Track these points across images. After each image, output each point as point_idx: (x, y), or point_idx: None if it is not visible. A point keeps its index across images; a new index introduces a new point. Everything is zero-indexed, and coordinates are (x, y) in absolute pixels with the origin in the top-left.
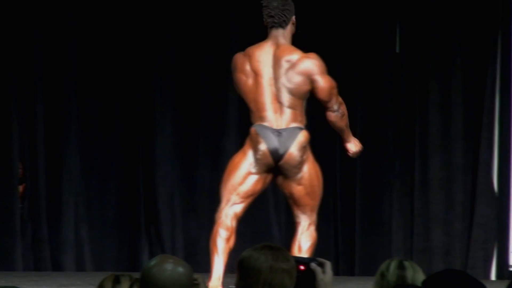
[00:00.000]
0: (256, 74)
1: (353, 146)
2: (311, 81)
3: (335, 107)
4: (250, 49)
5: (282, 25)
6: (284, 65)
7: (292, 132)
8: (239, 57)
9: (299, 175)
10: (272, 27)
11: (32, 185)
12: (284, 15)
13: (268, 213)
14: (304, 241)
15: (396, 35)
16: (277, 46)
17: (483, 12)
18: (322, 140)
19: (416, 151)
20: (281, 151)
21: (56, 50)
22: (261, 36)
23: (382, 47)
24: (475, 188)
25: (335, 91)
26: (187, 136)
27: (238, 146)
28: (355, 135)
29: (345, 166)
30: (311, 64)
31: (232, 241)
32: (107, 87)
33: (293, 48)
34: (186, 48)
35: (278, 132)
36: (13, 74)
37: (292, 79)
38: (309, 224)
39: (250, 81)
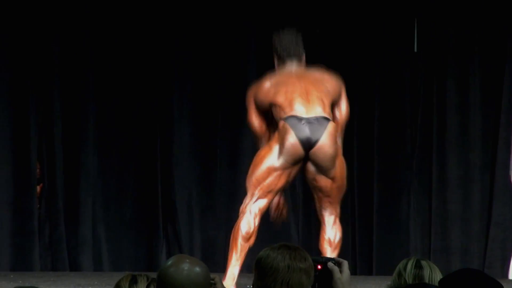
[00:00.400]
0: (279, 84)
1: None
2: (339, 94)
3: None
4: (266, 77)
5: (298, 57)
6: (310, 76)
7: (322, 121)
8: (254, 86)
9: (331, 167)
10: (287, 59)
11: (50, 185)
12: (299, 49)
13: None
14: (333, 235)
15: (414, 34)
16: (297, 71)
17: (500, 10)
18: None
19: (433, 150)
20: (312, 139)
21: (74, 50)
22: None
23: (399, 46)
24: (493, 188)
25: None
26: (205, 136)
27: (256, 145)
28: (372, 135)
29: (362, 165)
30: (340, 81)
31: (252, 239)
32: (124, 86)
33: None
34: (204, 47)
35: (308, 121)
36: (31, 74)
37: (322, 84)
38: (335, 217)
39: (272, 90)
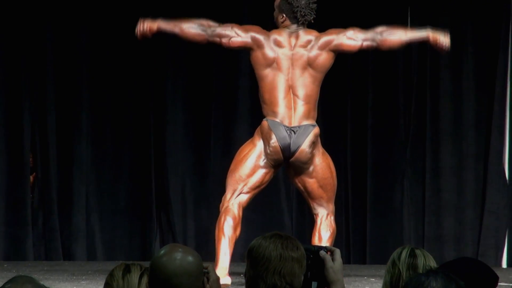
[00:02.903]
0: (277, 64)
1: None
2: (335, 46)
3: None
4: (271, 34)
5: (310, 22)
6: (302, 49)
7: (307, 128)
8: (263, 36)
9: (310, 169)
10: (299, 23)
11: (43, 175)
12: (313, 13)
13: (280, 202)
14: (324, 231)
15: (407, 23)
16: (298, 35)
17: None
18: (333, 129)
19: (427, 139)
20: (292, 148)
21: (67, 41)
22: (273, 25)
23: None
24: (486, 176)
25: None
26: (198, 125)
27: (249, 135)
28: (366, 124)
29: (356, 153)
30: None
31: (238, 230)
32: (118, 77)
33: (311, 31)
34: None
35: (292, 129)
36: (24, 65)
37: (313, 64)
38: (327, 214)
39: (266, 70)
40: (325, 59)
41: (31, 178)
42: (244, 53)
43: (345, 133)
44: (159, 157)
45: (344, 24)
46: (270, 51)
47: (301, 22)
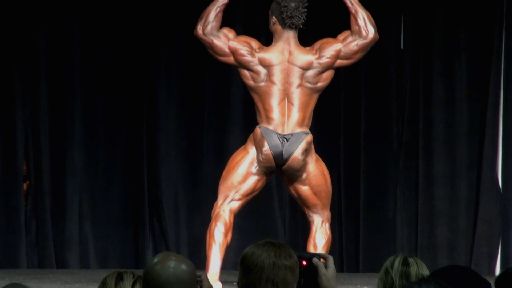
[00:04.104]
0: (269, 76)
1: None
2: (337, 52)
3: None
4: (263, 50)
5: (298, 27)
6: (299, 68)
7: (299, 135)
8: (248, 48)
9: (303, 176)
10: (288, 27)
11: (36, 183)
12: (303, 17)
13: (273, 209)
14: (319, 239)
15: (400, 31)
16: (290, 48)
17: (487, 7)
18: (326, 136)
19: (420, 147)
20: (285, 155)
21: (60, 47)
22: (267, 31)
23: (386, 43)
24: (480, 184)
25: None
26: (191, 132)
27: (242, 142)
28: (359, 131)
29: (349, 161)
30: (326, 41)
31: (229, 236)
32: (111, 83)
33: (305, 49)
34: (190, 44)
35: (284, 137)
36: (17, 71)
37: (314, 76)
38: (322, 222)
39: (261, 82)
40: (325, 78)
41: (25, 186)
42: None
43: (338, 141)
44: (151, 165)
45: (335, 32)
46: (258, 68)
47: (287, 24)
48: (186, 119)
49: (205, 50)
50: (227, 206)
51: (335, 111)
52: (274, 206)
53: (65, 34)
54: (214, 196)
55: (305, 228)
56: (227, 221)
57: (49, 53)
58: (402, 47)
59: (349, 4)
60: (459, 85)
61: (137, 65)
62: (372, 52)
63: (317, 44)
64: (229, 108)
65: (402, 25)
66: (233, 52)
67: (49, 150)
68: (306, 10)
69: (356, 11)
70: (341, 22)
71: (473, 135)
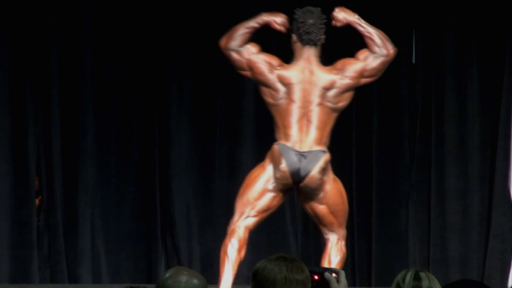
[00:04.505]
0: (289, 94)
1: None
2: (362, 71)
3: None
4: (283, 68)
5: (317, 43)
6: (321, 87)
7: (317, 154)
8: (269, 66)
9: (321, 195)
10: (306, 44)
11: (49, 198)
12: (321, 33)
13: (285, 224)
14: (334, 256)
15: (412, 46)
16: (311, 67)
17: (498, 22)
18: (338, 151)
19: (432, 162)
20: (302, 173)
21: (72, 63)
22: (280, 40)
23: (398, 58)
24: (492, 198)
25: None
26: (203, 148)
27: (254, 157)
28: (371, 146)
29: (361, 176)
30: (348, 61)
31: (243, 252)
32: (123, 99)
33: (326, 68)
34: (202, 58)
35: (302, 154)
36: (29, 86)
37: (335, 96)
38: (338, 240)
39: (280, 99)
40: (346, 97)
41: (37, 201)
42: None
43: (350, 155)
44: (163, 180)
45: (347, 46)
46: (277, 86)
47: (305, 41)
48: (198, 135)
49: (216, 66)
50: (242, 222)
51: (347, 126)
52: (286, 221)
53: (77, 50)
54: (226, 211)
55: (317, 243)
56: (242, 237)
57: (61, 68)
58: (413, 61)
59: (360, 28)
60: (471, 99)
61: (149, 80)
62: None
63: (339, 64)
64: (241, 124)
65: (413, 40)
66: (251, 68)
67: (61, 165)
68: (324, 26)
69: (369, 32)
70: (352, 39)
71: (485, 149)
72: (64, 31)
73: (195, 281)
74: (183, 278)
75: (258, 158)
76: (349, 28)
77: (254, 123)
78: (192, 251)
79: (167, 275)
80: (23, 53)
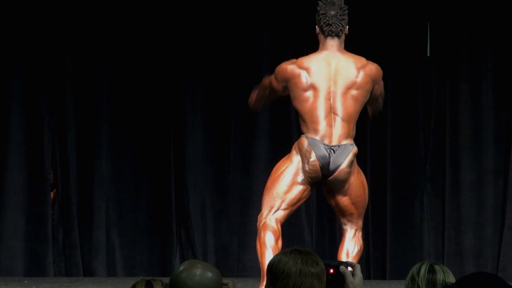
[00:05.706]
0: (314, 88)
1: None
2: (375, 83)
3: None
4: (304, 61)
5: (338, 34)
6: (346, 76)
7: (347, 147)
8: (290, 69)
9: (346, 187)
10: (328, 36)
11: (63, 191)
12: (342, 24)
13: (300, 217)
14: (351, 248)
15: (427, 39)
16: (334, 58)
17: None
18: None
19: (447, 155)
20: (332, 167)
21: (87, 57)
22: (293, 41)
23: (412, 51)
24: (506, 191)
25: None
26: (218, 141)
27: (269, 150)
28: (385, 139)
29: (376, 169)
30: (377, 69)
31: (280, 243)
32: (138, 92)
33: (355, 57)
34: (217, 53)
35: (332, 148)
36: (44, 81)
37: (358, 87)
38: (356, 231)
39: (306, 94)
40: (368, 89)
41: (52, 194)
42: (264, 68)
43: (365, 149)
44: (179, 173)
45: (363, 40)
46: (305, 79)
47: (327, 32)
48: (213, 128)
49: (231, 61)
50: (272, 216)
51: (362, 119)
52: (301, 214)
53: (92, 44)
54: (240, 204)
55: (332, 236)
56: (276, 229)
57: (76, 62)
58: (428, 55)
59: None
60: (486, 92)
61: (165, 75)
62: (398, 60)
63: (367, 69)
64: (256, 117)
65: (428, 33)
66: (287, 82)
67: (76, 158)
68: (345, 18)
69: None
70: (368, 33)
71: (500, 142)
72: (79, 25)
73: (209, 274)
74: (198, 271)
75: (272, 151)
76: (362, 20)
77: (269, 117)
78: (206, 244)
79: (182, 268)
80: (37, 47)
